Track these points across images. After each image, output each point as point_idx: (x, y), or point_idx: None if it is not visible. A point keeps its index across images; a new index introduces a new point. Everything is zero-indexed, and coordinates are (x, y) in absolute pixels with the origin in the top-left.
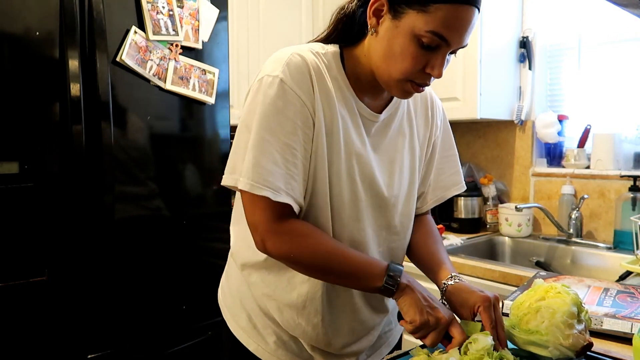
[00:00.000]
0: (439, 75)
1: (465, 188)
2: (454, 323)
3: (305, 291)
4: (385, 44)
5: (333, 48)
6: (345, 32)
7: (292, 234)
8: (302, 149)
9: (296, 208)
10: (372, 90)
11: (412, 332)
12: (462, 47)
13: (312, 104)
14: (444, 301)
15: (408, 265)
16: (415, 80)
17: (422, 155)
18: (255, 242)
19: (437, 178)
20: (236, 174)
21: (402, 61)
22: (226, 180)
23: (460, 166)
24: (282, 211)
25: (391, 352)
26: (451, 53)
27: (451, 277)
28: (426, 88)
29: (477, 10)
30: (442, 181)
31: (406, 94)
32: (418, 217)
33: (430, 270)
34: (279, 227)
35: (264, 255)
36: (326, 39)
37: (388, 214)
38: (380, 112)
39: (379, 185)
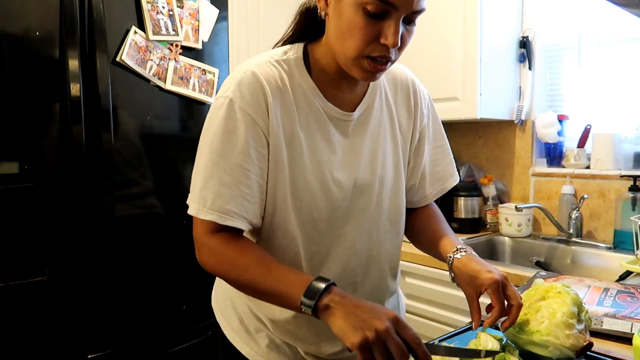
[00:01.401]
0: (395, 44)
1: (459, 179)
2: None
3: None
4: (335, 23)
5: (295, 52)
6: (309, 26)
7: (217, 247)
8: (257, 168)
9: (247, 228)
10: (341, 83)
11: (365, 358)
12: (418, 12)
13: (266, 122)
14: (450, 274)
15: (404, 264)
16: (372, 54)
17: (407, 146)
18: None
19: (434, 169)
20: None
21: (351, 36)
22: (188, 200)
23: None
24: (217, 226)
25: None
26: (409, 23)
27: (457, 250)
28: (408, 76)
29: None
30: (439, 172)
31: (367, 74)
32: (421, 207)
33: (435, 246)
34: (210, 240)
35: None
36: (291, 37)
37: (374, 214)
38: (354, 110)
39: (360, 186)
